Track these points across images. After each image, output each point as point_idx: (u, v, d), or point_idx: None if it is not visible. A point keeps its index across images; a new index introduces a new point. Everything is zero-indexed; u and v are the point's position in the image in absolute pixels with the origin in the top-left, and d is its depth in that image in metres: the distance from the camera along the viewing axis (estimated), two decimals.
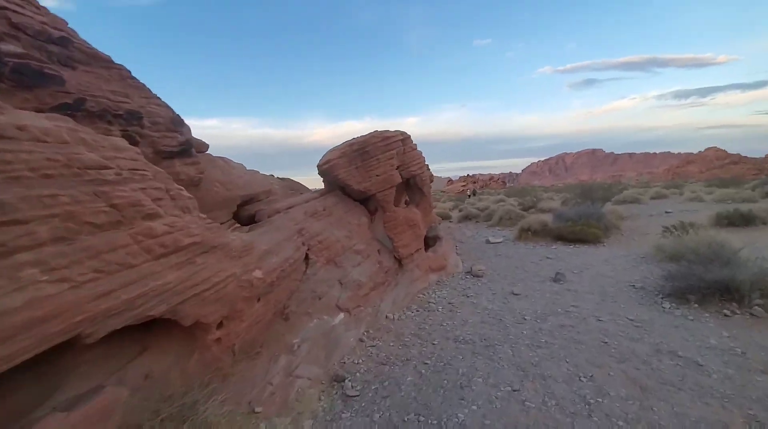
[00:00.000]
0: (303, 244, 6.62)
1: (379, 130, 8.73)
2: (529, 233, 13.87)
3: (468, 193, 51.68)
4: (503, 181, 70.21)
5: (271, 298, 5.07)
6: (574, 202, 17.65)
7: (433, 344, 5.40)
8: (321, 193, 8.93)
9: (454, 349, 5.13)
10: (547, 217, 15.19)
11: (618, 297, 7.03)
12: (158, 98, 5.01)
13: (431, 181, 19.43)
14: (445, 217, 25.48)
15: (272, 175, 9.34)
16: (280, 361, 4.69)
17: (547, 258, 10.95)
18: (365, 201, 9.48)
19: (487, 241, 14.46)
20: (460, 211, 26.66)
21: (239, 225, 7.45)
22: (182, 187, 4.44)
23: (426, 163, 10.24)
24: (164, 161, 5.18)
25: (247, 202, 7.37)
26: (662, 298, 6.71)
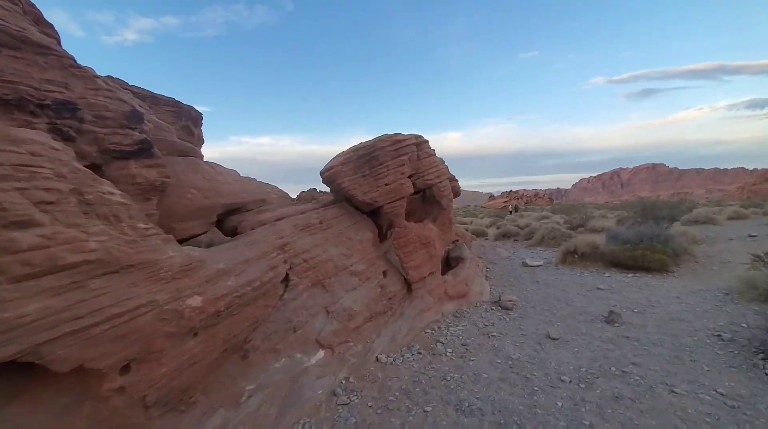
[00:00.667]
0: (285, 261, 5.59)
1: (389, 133, 7.60)
2: (575, 256, 11.77)
3: (509, 209, 48.68)
4: (550, 197, 65.44)
5: (220, 331, 4.03)
6: (632, 220, 15.05)
7: (425, 411, 3.97)
8: (322, 204, 7.93)
9: (451, 426, 3.66)
10: (599, 238, 12.92)
11: (698, 354, 5.09)
12: (111, 91, 4.31)
13: (455, 194, 17.91)
14: (480, 235, 23.58)
15: (272, 185, 8.58)
16: (214, 419, 3.59)
17: (598, 289, 8.93)
18: (375, 214, 8.33)
19: (524, 264, 12.54)
20: (498, 228, 24.50)
21: (226, 237, 6.65)
22: (116, 191, 3.61)
23: (448, 172, 8.88)
24: (117, 162, 4.46)
25: (234, 212, 6.55)
26: (764, 358, 4.71)
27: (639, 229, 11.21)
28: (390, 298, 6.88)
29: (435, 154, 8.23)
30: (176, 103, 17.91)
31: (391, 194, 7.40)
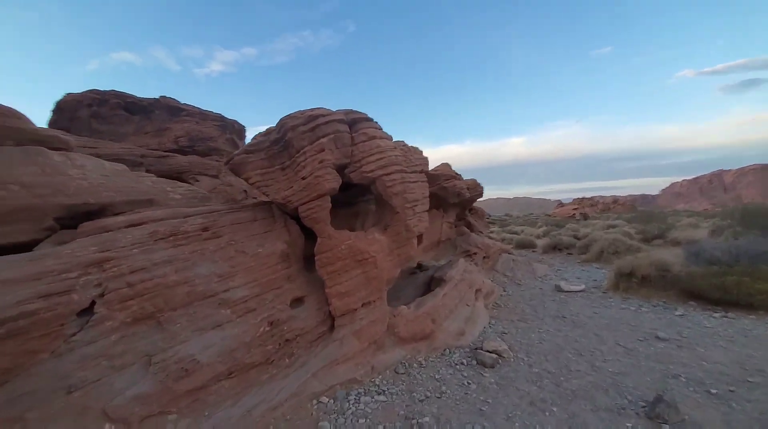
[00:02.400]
0: (98, 284, 3.87)
1: (318, 109, 5.51)
2: (633, 281, 8.11)
3: (577, 217, 42.10)
4: (632, 204, 55.49)
5: None
6: (731, 230, 10.52)
7: None
8: (242, 206, 6.14)
9: None
10: (677, 255, 8.95)
11: None
12: None
13: (475, 196, 14.82)
14: (526, 246, 19.74)
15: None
16: None
17: (657, 338, 5.54)
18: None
19: (558, 289, 9.17)
20: (551, 238, 20.34)
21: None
22: None
23: (407, 161, 6.44)
24: None
25: (96, 215, 5.09)
26: None
27: (735, 243, 7.23)
28: (288, 341, 4.70)
29: (383, 137, 5.89)
30: (222, 118, 18.43)
31: (306, 191, 5.29)
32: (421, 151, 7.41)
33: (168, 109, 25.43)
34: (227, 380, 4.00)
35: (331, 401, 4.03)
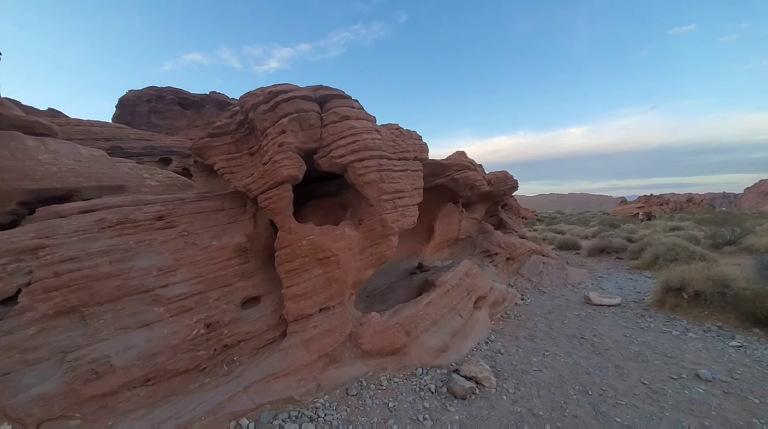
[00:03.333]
0: (29, 272, 3.68)
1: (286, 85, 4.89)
2: (683, 297, 6.49)
3: (640, 217, 37.44)
4: (709, 203, 48.03)
5: None
6: None
7: None
8: (214, 195, 5.80)
9: None
10: (746, 267, 7.06)
11: None
12: None
13: (508, 189, 13.30)
14: (569, 248, 17.73)
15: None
16: None
17: (698, 377, 4.19)
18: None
19: (587, 300, 7.74)
20: (601, 239, 18.09)
21: None
22: None
23: (390, 146, 5.60)
24: None
25: (63, 200, 5.02)
26: None
27: None
28: (228, 346, 4.22)
29: (360, 117, 5.10)
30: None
31: (264, 179, 4.74)
32: (419, 136, 6.50)
33: (217, 103, 26.75)
34: (143, 387, 3.62)
35: (252, 424, 3.47)
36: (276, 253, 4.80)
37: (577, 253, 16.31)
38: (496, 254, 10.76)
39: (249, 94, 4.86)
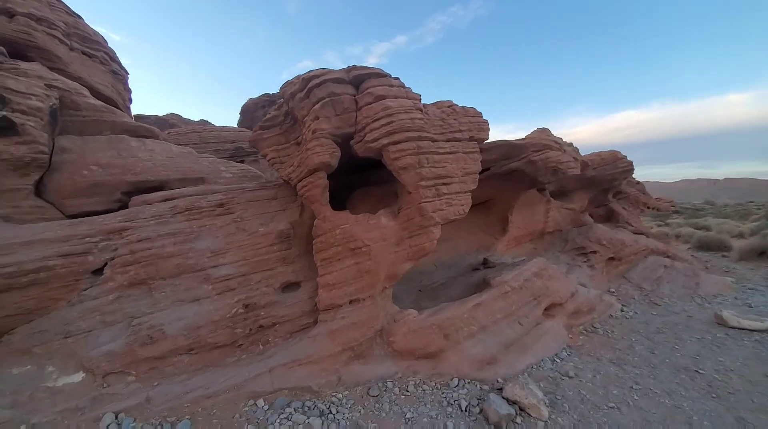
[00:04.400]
0: (113, 249, 4.48)
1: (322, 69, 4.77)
2: None
3: None
4: None
5: None
6: None
7: None
8: (273, 185, 6.18)
9: None
10: None
11: None
12: None
13: (618, 173, 10.81)
14: (713, 247, 13.86)
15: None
16: None
17: None
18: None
19: (719, 320, 5.73)
20: (763, 238, 13.70)
21: None
22: None
23: (427, 127, 4.95)
24: None
25: (156, 189, 6.00)
26: None
27: None
28: (264, 327, 4.41)
29: (397, 96, 4.60)
30: None
31: (301, 168, 4.75)
32: (477, 113, 5.65)
33: None
34: (187, 355, 4.05)
35: (266, 407, 3.53)
36: (313, 241, 4.80)
37: (724, 256, 12.49)
38: (594, 253, 8.92)
39: (287, 83, 4.91)
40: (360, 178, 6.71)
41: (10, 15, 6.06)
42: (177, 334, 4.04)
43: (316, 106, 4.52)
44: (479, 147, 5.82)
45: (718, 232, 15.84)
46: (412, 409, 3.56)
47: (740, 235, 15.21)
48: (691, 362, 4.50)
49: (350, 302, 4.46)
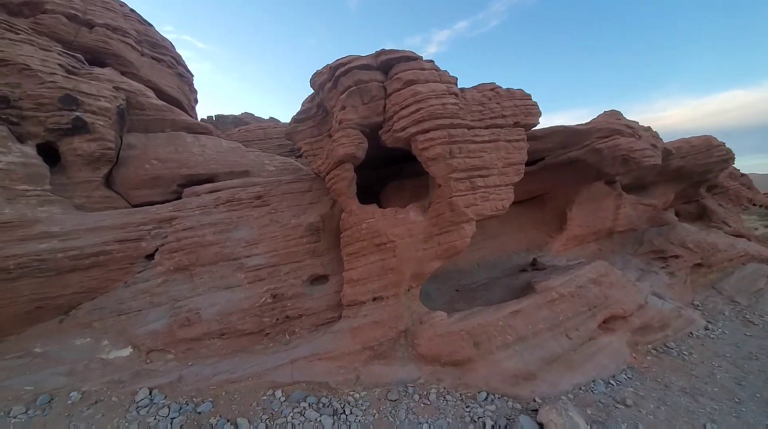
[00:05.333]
0: (164, 236, 4.89)
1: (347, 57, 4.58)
2: None
3: None
4: None
5: (20, 287, 4.09)
6: None
7: None
8: (310, 177, 6.25)
9: None
10: None
11: None
12: (53, 82, 5.30)
13: (713, 163, 8.99)
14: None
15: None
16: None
17: None
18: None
19: None
20: None
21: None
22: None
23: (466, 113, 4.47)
24: (65, 139, 5.47)
25: (207, 181, 6.43)
26: None
27: None
28: (290, 318, 4.46)
29: (429, 80, 4.18)
30: None
31: (329, 160, 4.65)
32: (525, 95, 5.03)
33: None
34: (219, 339, 4.25)
35: (282, 399, 3.54)
36: (341, 235, 4.71)
37: None
38: (675, 257, 7.58)
39: (317, 73, 4.82)
40: (397, 171, 6.47)
41: (90, 26, 6.90)
42: (211, 318, 4.27)
43: (342, 96, 4.37)
44: (528, 134, 5.19)
45: None
46: (429, 422, 3.30)
47: None
48: None
49: (373, 300, 4.29)
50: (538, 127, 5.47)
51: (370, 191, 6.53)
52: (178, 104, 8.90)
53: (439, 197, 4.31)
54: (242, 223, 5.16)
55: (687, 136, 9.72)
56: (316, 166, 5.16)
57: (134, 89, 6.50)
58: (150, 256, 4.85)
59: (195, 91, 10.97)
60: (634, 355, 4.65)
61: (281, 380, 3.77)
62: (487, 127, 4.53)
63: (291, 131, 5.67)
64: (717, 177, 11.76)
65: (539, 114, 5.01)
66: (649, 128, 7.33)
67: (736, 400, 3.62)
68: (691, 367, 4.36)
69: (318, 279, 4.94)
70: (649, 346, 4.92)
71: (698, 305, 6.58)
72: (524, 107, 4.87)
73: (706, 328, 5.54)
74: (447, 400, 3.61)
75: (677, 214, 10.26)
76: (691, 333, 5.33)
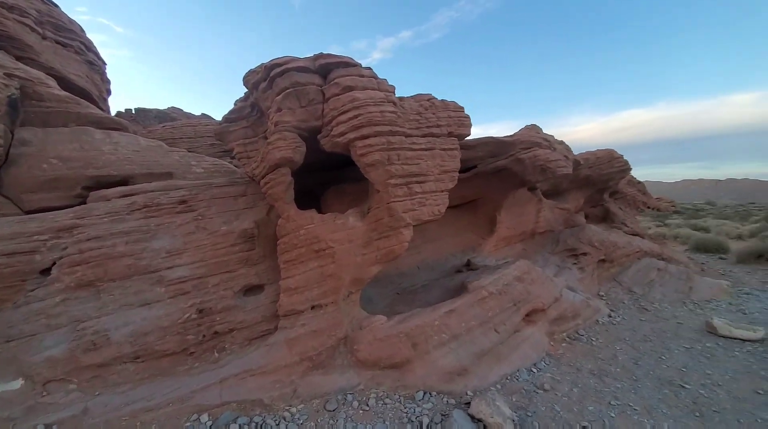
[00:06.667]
0: (63, 248, 4.21)
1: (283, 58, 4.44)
2: None
3: None
4: None
5: None
6: None
7: None
8: (243, 181, 5.88)
9: None
10: None
11: None
12: None
13: (615, 173, 10.53)
14: (711, 250, 13.51)
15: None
16: None
17: None
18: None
19: (711, 329, 5.44)
20: (763, 240, 13.40)
21: None
22: None
23: (399, 120, 4.64)
24: None
25: (119, 184, 5.70)
26: None
27: None
28: (219, 334, 4.14)
29: (367, 87, 4.28)
30: None
31: (264, 163, 4.45)
32: (458, 107, 5.33)
33: None
34: (133, 364, 3.78)
35: (209, 422, 3.26)
36: (278, 242, 4.52)
37: (721, 259, 12.16)
38: (585, 254, 8.62)
39: (250, 72, 4.59)
40: (339, 175, 6.42)
41: None
42: (122, 340, 3.77)
43: (279, 97, 4.22)
44: (463, 144, 5.53)
45: (717, 234, 15.51)
46: (368, 427, 3.29)
47: (739, 237, 14.90)
48: (676, 375, 4.21)
49: (312, 308, 4.18)
50: (470, 137, 5.86)
51: (310, 196, 6.40)
52: (86, 95, 7.80)
53: (378, 202, 4.37)
54: (162, 231, 4.67)
55: (594, 149, 11.18)
56: (251, 170, 4.90)
57: (31, 77, 5.54)
58: (46, 271, 4.14)
59: (108, 81, 9.73)
60: (551, 343, 5.17)
61: (208, 402, 3.47)
62: (424, 136, 4.72)
63: (222, 131, 5.30)
64: (617, 184, 13.75)
65: (471, 125, 5.36)
66: (562, 142, 8.29)
67: (634, 378, 4.22)
68: (597, 351, 4.98)
69: (252, 289, 4.66)
70: (564, 334, 5.51)
71: (603, 295, 7.55)
72: (458, 118, 5.18)
73: (609, 316, 6.37)
74: (386, 404, 3.64)
75: (586, 217, 11.72)
76: (597, 320, 6.09)
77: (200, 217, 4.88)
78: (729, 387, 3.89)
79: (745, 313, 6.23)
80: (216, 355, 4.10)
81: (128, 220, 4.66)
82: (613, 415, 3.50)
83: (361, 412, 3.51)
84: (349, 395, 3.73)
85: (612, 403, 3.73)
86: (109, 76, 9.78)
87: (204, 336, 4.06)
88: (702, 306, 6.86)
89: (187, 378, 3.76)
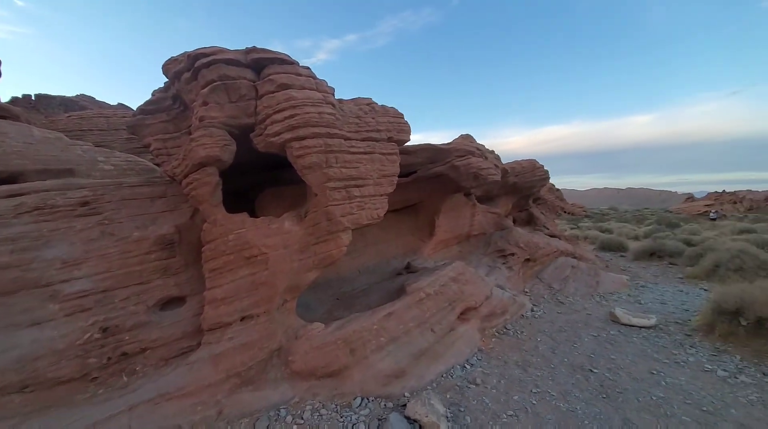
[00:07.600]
0: None
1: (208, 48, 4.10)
2: (739, 324, 4.86)
3: (711, 215, 32.76)
4: None
5: None
6: None
7: None
8: (163, 181, 5.27)
9: None
10: None
11: None
12: None
13: (537, 181, 11.72)
14: (614, 248, 15.46)
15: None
16: None
17: None
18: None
19: (613, 318, 6.25)
20: (655, 240, 15.66)
21: None
22: None
23: (342, 122, 4.61)
24: None
25: (4, 182, 4.74)
26: None
27: None
28: (128, 355, 3.63)
29: (304, 87, 4.16)
30: None
31: (186, 161, 4.04)
32: (398, 114, 5.44)
33: None
34: (20, 394, 3.14)
35: None
36: (203, 249, 4.12)
37: (622, 256, 14.12)
38: (512, 255, 9.37)
39: (171, 60, 4.16)
40: (274, 177, 6.12)
41: None
42: (6, 367, 3.10)
43: (205, 90, 3.87)
44: (403, 149, 5.64)
45: (618, 235, 18.03)
46: None
47: (636, 238, 17.50)
48: (586, 361, 4.75)
49: (242, 319, 3.87)
50: (411, 143, 6.02)
51: (243, 198, 6.00)
52: None
53: (315, 206, 4.23)
54: (58, 237, 3.97)
55: (520, 159, 12.28)
56: (171, 168, 4.41)
57: None
58: None
59: None
60: (483, 339, 5.48)
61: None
62: (363, 140, 4.71)
63: (136, 124, 4.70)
64: (539, 191, 15.28)
65: (410, 131, 5.50)
66: (493, 151, 8.95)
67: (552, 366, 4.65)
68: (522, 344, 5.40)
69: (171, 302, 4.18)
70: (493, 329, 5.89)
71: (527, 292, 8.26)
72: (397, 124, 5.27)
73: (533, 310, 6.98)
74: (322, 415, 3.51)
75: (513, 221, 12.81)
76: (523, 315, 6.63)
77: (106, 222, 4.25)
78: (629, 369, 4.48)
79: (641, 303, 7.29)
80: (125, 379, 3.58)
81: (15, 224, 3.87)
82: (534, 402, 3.81)
83: (295, 426, 3.33)
84: (282, 410, 3.52)
85: (533, 390, 4.06)
86: (2, 56, 8.14)
87: (109, 358, 3.52)
88: (607, 298, 7.88)
89: (89, 408, 3.21)
